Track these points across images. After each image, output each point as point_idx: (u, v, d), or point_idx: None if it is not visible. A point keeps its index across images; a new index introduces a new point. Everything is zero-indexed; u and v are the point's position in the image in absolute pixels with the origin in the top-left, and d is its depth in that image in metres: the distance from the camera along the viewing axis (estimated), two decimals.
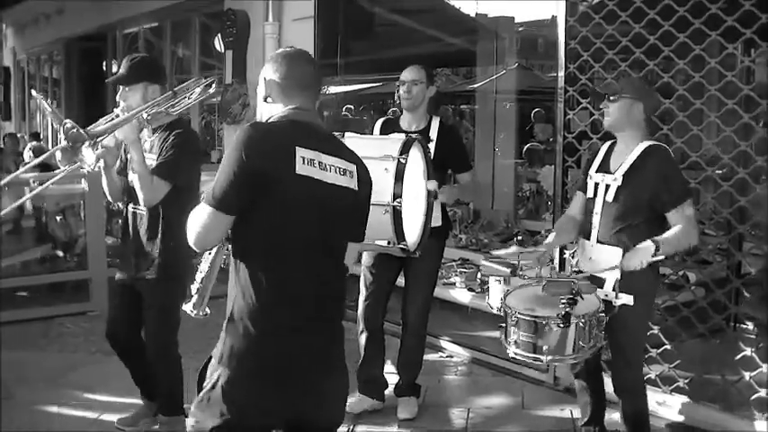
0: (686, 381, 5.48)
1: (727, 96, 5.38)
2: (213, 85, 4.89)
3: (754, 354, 5.25)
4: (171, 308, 4.83)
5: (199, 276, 3.39)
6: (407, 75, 5.53)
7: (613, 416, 4.98)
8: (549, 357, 4.13)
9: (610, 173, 4.52)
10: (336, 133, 4.94)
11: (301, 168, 2.89)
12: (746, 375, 5.23)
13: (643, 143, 4.46)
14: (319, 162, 2.95)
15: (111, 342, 5.14)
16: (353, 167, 3.08)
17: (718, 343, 5.93)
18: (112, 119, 4.54)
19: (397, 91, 5.64)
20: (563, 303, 4.01)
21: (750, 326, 6.96)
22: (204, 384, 2.98)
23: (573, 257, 4.77)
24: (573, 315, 4.00)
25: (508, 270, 4.65)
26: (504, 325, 4.29)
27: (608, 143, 4.75)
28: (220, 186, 2.86)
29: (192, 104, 4.96)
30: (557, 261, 5.81)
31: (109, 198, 5.01)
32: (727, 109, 5.41)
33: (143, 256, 4.83)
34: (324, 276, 3.03)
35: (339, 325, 3.17)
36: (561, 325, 3.99)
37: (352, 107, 14.14)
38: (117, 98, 4.76)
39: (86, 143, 4.19)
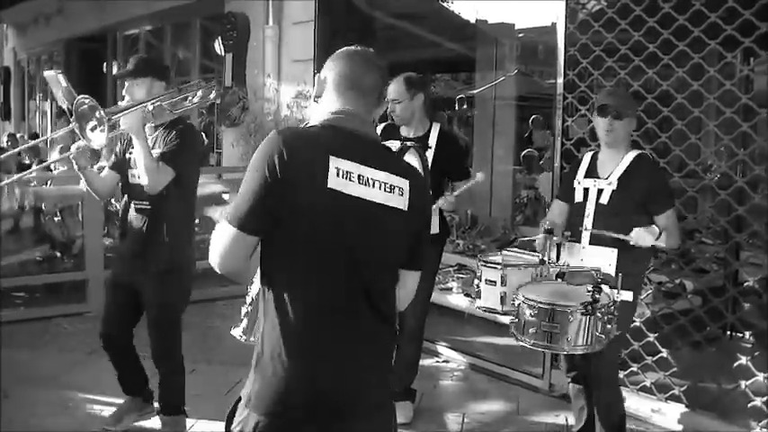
0: (682, 389, 5.48)
1: (726, 105, 5.40)
2: (214, 91, 5.00)
3: (749, 363, 5.25)
4: (175, 306, 4.90)
5: (248, 298, 3.07)
6: (388, 92, 5.46)
7: None
8: (569, 347, 4.12)
9: (599, 179, 4.62)
10: None
11: (334, 181, 2.49)
12: (742, 384, 5.24)
13: (633, 151, 4.64)
14: (359, 175, 2.53)
15: (105, 342, 5.14)
16: (404, 183, 2.62)
17: (714, 351, 5.93)
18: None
19: None
20: (589, 291, 4.01)
21: (746, 335, 6.97)
22: (232, 428, 2.64)
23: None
24: (599, 303, 4.01)
25: (536, 259, 4.67)
26: (516, 318, 4.27)
27: (591, 152, 4.86)
28: (242, 203, 2.51)
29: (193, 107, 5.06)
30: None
31: (95, 195, 5.04)
32: (726, 118, 5.43)
33: (145, 252, 4.83)
34: (356, 303, 2.60)
35: (387, 364, 2.80)
36: (584, 313, 3.99)
37: None
38: (123, 92, 4.87)
39: (92, 124, 4.27)
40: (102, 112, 4.29)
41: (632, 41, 5.59)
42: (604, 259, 4.47)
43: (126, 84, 4.85)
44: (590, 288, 4.02)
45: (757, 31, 5.03)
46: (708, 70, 5.41)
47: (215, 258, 2.62)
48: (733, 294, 5.93)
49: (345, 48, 2.79)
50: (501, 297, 4.50)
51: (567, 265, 4.56)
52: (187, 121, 5.15)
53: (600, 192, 4.59)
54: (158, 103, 4.72)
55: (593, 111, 4.78)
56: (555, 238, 4.71)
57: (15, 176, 6.37)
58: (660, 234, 4.39)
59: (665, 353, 5.55)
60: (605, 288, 4.26)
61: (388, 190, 2.59)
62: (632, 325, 5.53)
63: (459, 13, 12.06)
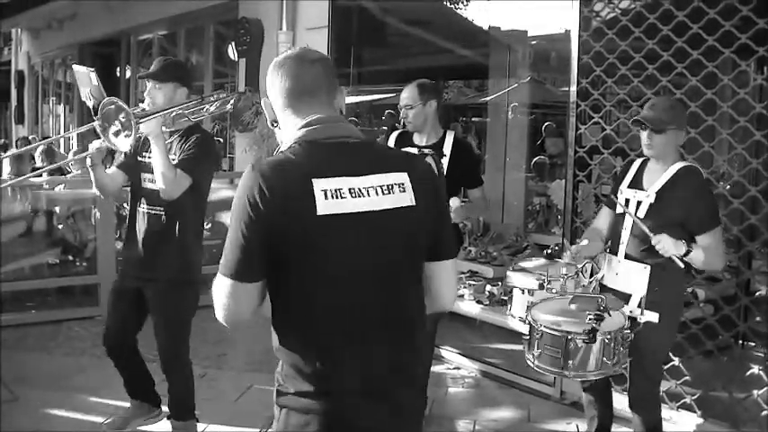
0: (694, 398, 5.47)
1: (740, 114, 5.38)
2: (233, 101, 5.08)
3: (761, 372, 5.24)
4: (185, 312, 4.91)
5: None
6: (401, 98, 5.50)
7: (620, 431, 4.98)
8: (573, 373, 4.09)
9: (642, 190, 4.50)
10: None
11: (324, 206, 2.30)
12: (755, 393, 5.22)
13: (678, 163, 4.45)
14: (350, 189, 2.35)
15: (109, 349, 5.12)
16: (403, 177, 2.44)
17: (726, 360, 5.91)
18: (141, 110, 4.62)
19: None
20: (590, 319, 3.96)
21: (758, 344, 6.95)
22: None
23: (585, 272, 4.75)
24: (599, 331, 3.95)
25: (535, 282, 4.63)
26: (527, 337, 4.26)
27: (639, 160, 4.71)
28: (232, 252, 2.35)
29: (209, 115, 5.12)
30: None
31: (100, 193, 4.98)
32: (740, 126, 5.41)
33: (157, 258, 4.82)
34: (390, 320, 2.45)
35: (419, 383, 2.65)
36: (586, 341, 3.94)
37: (365, 117, 14.18)
38: (144, 93, 4.84)
39: (116, 128, 4.28)
40: (131, 116, 4.25)
41: (646, 50, 5.59)
42: (637, 275, 4.38)
43: (148, 85, 4.82)
44: (591, 316, 3.98)
45: None
46: (721, 79, 5.40)
47: (220, 314, 2.45)
48: (745, 303, 5.91)
49: (275, 61, 2.62)
50: (527, 306, 4.48)
51: (587, 286, 4.53)
52: (203, 128, 5.14)
53: (639, 204, 4.47)
54: (180, 111, 4.72)
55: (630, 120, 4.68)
56: (562, 260, 4.69)
57: (22, 176, 6.34)
58: (688, 252, 4.20)
59: (676, 361, 5.53)
60: (624, 309, 4.24)
61: (387, 191, 2.41)
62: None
63: (471, 20, 12.08)
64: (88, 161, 4.71)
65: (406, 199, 2.43)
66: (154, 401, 5.30)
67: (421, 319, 2.57)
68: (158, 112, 4.55)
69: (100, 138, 4.46)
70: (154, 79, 4.79)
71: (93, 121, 4.45)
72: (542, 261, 4.81)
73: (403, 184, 2.43)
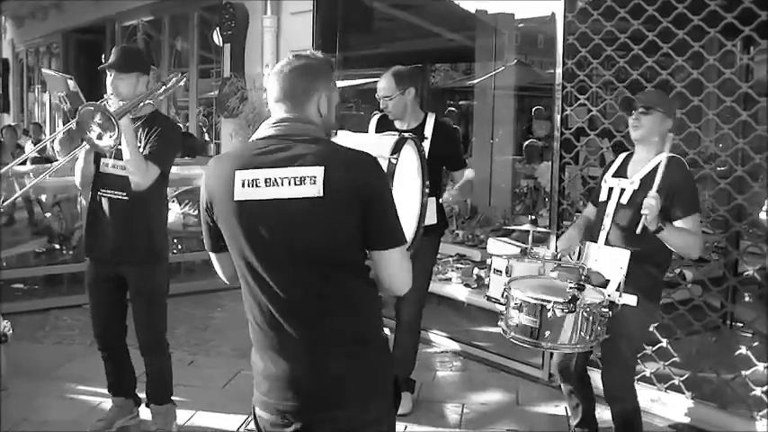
0: (682, 378, 5.47)
1: (726, 94, 5.37)
2: (184, 80, 5.28)
3: (749, 352, 5.24)
4: (161, 291, 4.97)
5: None
6: (379, 89, 5.46)
7: (606, 413, 4.99)
8: (550, 344, 4.06)
9: (626, 179, 4.52)
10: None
11: (240, 193, 2.65)
12: (742, 374, 5.23)
13: (663, 153, 4.40)
14: (266, 179, 2.64)
15: (102, 343, 5.13)
16: (317, 171, 2.60)
17: (714, 341, 5.92)
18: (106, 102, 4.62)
19: None
20: (570, 288, 3.95)
21: (746, 324, 6.96)
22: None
23: (573, 254, 4.74)
24: (579, 300, 3.94)
25: (517, 249, 4.61)
26: (504, 312, 4.25)
27: (624, 153, 4.74)
28: (203, 228, 2.91)
29: (166, 95, 5.29)
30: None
31: (78, 184, 4.96)
32: (726, 106, 5.40)
33: (128, 242, 4.80)
34: (305, 296, 2.68)
35: (361, 355, 2.77)
36: (566, 310, 3.93)
37: (351, 102, 14.14)
38: (108, 84, 4.77)
39: (97, 130, 4.26)
40: (112, 115, 4.22)
41: (631, 30, 5.57)
42: (618, 260, 4.35)
43: (110, 76, 4.76)
44: (572, 285, 3.98)
45: (757, 19, 5.00)
46: (707, 59, 5.38)
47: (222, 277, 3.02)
48: (733, 284, 5.91)
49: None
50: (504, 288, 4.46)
51: (560, 259, 4.53)
52: (165, 116, 5.14)
53: (622, 191, 4.49)
54: (148, 100, 4.76)
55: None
56: (540, 228, 4.68)
57: (10, 164, 6.27)
58: (660, 229, 4.16)
59: (664, 342, 5.54)
60: (604, 289, 4.22)
61: (298, 182, 2.62)
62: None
63: (458, 4, 12.05)
64: (87, 156, 4.76)
65: (313, 191, 2.61)
66: (136, 400, 5.30)
67: (345, 301, 2.75)
68: (132, 106, 4.56)
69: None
70: (117, 70, 4.75)
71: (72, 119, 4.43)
72: (528, 226, 4.78)
73: (315, 178, 2.62)
